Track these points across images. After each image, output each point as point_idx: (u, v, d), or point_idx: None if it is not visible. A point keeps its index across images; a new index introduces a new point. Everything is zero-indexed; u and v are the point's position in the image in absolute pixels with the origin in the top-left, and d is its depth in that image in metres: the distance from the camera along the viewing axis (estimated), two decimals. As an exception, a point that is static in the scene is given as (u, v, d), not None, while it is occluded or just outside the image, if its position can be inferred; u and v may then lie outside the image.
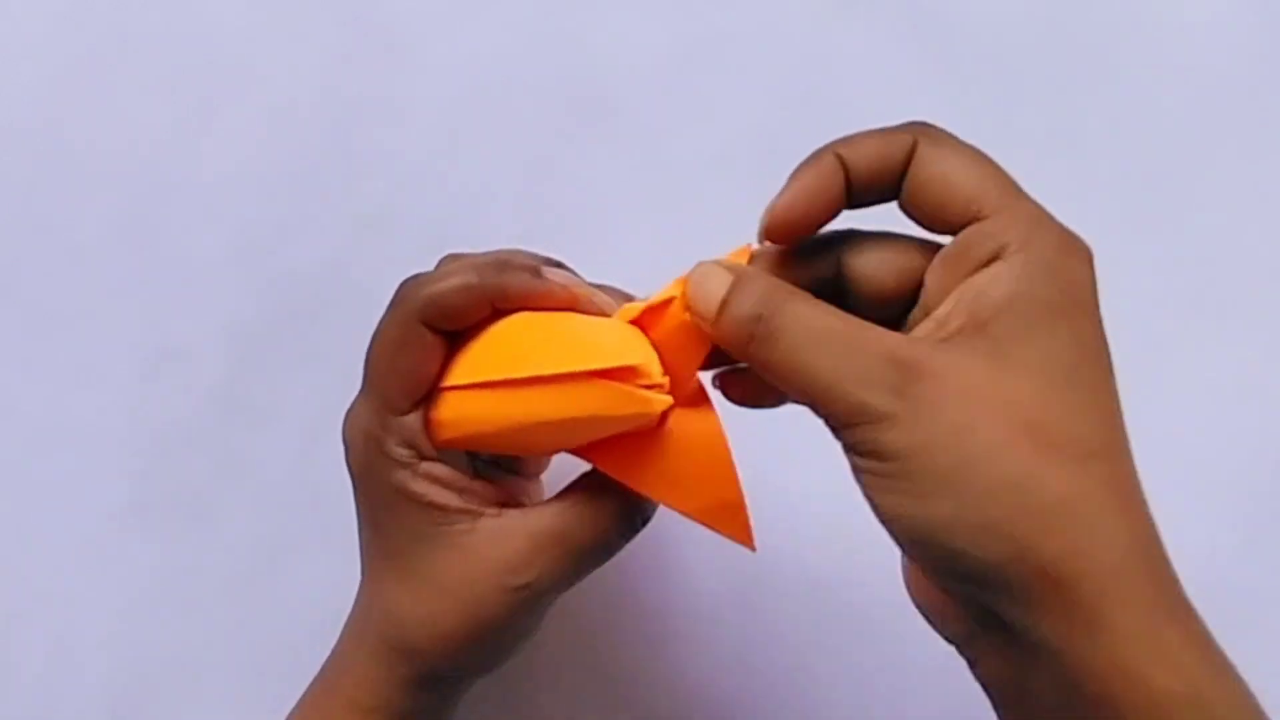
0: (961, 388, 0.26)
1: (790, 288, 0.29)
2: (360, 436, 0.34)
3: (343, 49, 0.46)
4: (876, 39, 0.46)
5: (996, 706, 0.29)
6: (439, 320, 0.32)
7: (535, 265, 0.33)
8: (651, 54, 0.46)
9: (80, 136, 0.45)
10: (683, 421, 0.32)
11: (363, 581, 0.36)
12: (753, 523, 0.32)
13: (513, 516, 0.33)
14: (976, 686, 0.30)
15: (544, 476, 0.40)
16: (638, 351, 0.31)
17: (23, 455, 0.44)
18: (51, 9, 0.46)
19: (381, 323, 0.33)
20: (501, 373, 0.31)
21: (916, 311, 0.30)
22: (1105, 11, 0.46)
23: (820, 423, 0.28)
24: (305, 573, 0.44)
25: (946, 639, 0.30)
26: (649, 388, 0.31)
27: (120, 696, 0.43)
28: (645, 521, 0.34)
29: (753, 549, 0.31)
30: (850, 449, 0.28)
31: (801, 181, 0.30)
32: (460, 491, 0.33)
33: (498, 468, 0.38)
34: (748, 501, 0.32)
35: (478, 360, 0.32)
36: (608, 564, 0.41)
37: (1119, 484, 0.27)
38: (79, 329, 0.45)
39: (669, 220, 0.45)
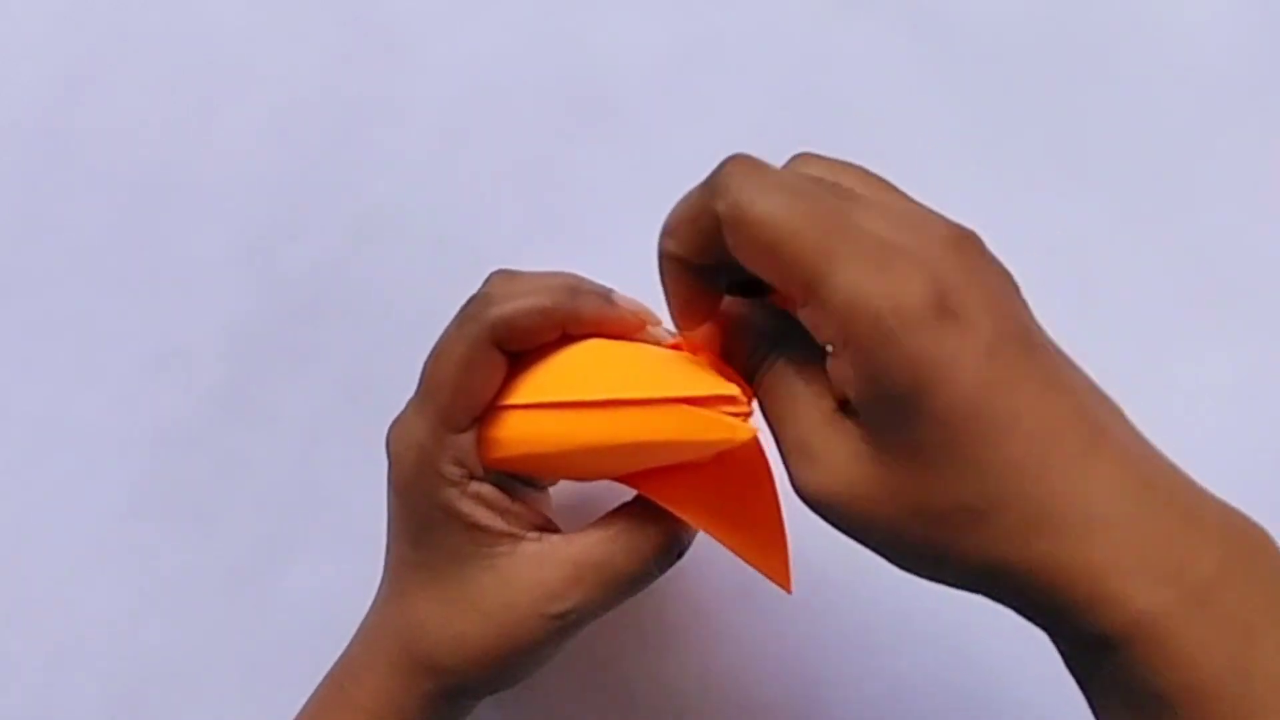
0: (844, 479, 0.27)
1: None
2: (412, 451, 0.33)
3: (343, 49, 0.46)
4: (876, 39, 0.46)
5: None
6: (509, 341, 0.32)
7: (605, 292, 0.33)
8: (651, 54, 0.46)
9: (80, 136, 0.45)
10: (735, 455, 0.32)
11: (386, 593, 0.36)
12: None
13: (554, 542, 0.33)
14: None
15: (554, 491, 0.40)
16: (719, 384, 0.30)
17: (23, 455, 0.44)
18: (51, 9, 0.46)
19: (445, 338, 0.33)
20: (576, 394, 0.31)
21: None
22: (1105, 11, 0.46)
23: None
24: (305, 573, 0.44)
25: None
26: (736, 415, 0.30)
27: (120, 696, 0.43)
28: (682, 553, 0.34)
29: (789, 591, 0.31)
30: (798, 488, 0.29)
31: (669, 286, 0.30)
32: (503, 514, 0.33)
33: (528, 486, 0.37)
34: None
35: (546, 381, 0.32)
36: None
37: (1024, 527, 0.26)
38: (79, 329, 0.45)
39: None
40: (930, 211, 0.28)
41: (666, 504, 0.32)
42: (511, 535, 0.33)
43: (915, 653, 0.42)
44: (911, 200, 0.29)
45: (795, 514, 0.43)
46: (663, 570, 0.34)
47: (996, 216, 0.45)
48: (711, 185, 0.29)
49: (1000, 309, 0.27)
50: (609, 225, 0.45)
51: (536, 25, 0.46)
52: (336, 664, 0.37)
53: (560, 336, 0.33)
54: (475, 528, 0.33)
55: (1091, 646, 0.26)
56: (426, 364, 0.33)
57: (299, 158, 0.45)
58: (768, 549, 0.32)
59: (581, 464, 0.32)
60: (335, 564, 0.44)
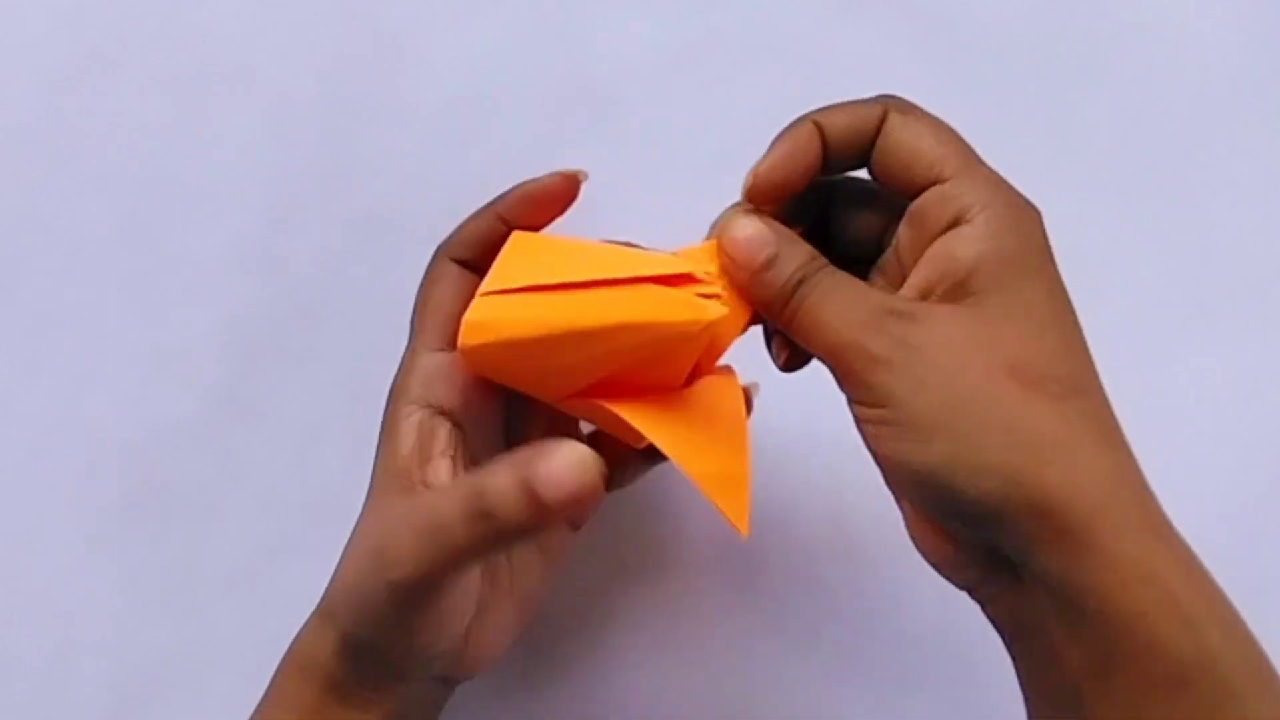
0: (949, 335, 0.29)
1: (821, 258, 0.32)
2: (396, 376, 0.35)
3: (342, 49, 0.46)
4: (876, 39, 0.46)
5: (1010, 648, 0.31)
6: (462, 250, 0.35)
7: (552, 175, 0.36)
8: (651, 54, 0.46)
9: (80, 136, 0.45)
10: (708, 386, 0.33)
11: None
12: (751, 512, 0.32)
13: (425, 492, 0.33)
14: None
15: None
16: (695, 264, 0.32)
17: (23, 455, 0.44)
18: (51, 9, 0.46)
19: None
20: (547, 278, 0.31)
21: (889, 257, 0.33)
22: (1105, 12, 0.46)
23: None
24: (305, 573, 0.44)
25: (958, 586, 0.32)
26: (705, 297, 0.32)
27: (120, 696, 0.43)
28: (511, 534, 0.29)
29: (744, 534, 0.31)
30: (854, 400, 0.30)
31: (783, 148, 0.33)
32: (427, 455, 0.33)
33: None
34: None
35: (519, 268, 0.32)
36: (607, 565, 0.41)
37: (1099, 419, 0.29)
38: (79, 329, 0.45)
39: (669, 220, 0.45)
40: None
41: (634, 421, 0.31)
42: (410, 471, 0.33)
43: (915, 652, 0.42)
44: None
45: (794, 512, 0.43)
46: (485, 540, 0.29)
47: (996, 216, 0.45)
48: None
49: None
50: (609, 225, 0.45)
51: (536, 25, 0.46)
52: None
53: (508, 231, 0.35)
54: (394, 453, 0.33)
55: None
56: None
57: (299, 157, 0.45)
58: (730, 487, 0.31)
59: (558, 354, 0.31)
60: (335, 564, 0.44)
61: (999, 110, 0.45)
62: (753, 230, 0.32)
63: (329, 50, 0.46)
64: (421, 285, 0.36)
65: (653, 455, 0.37)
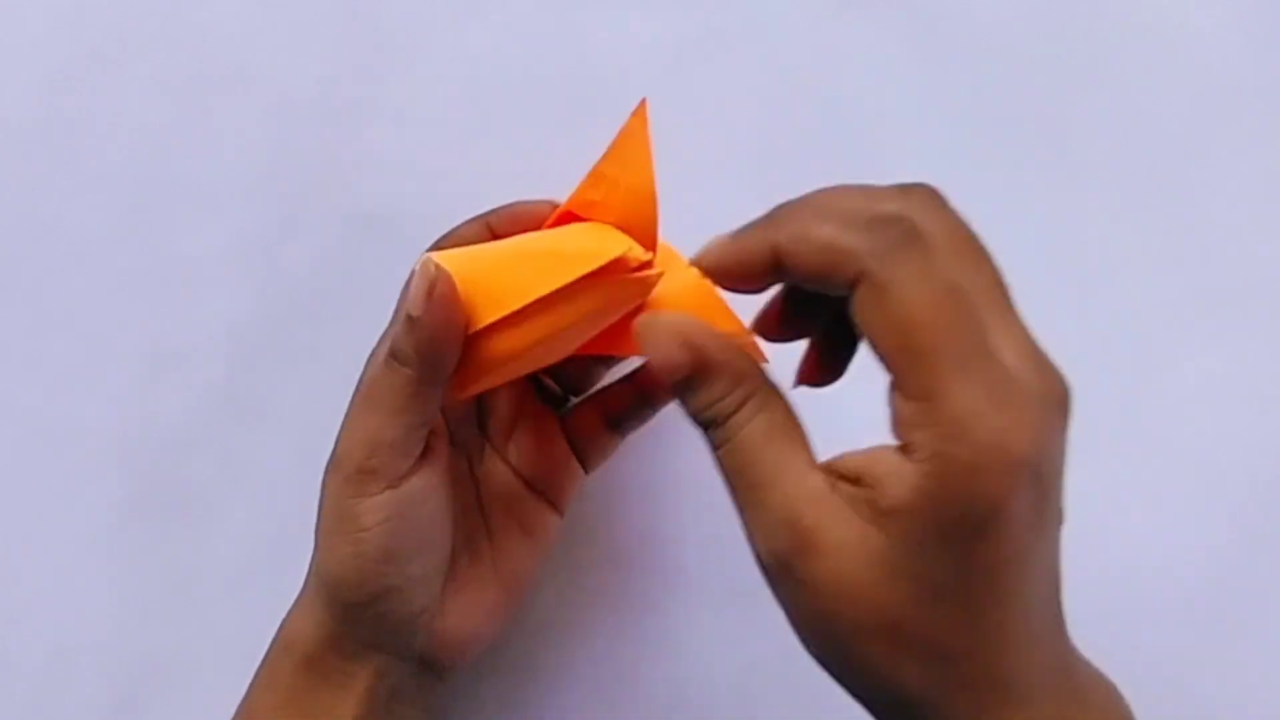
0: (838, 574, 0.26)
1: (760, 403, 0.28)
2: (370, 361, 0.35)
3: (342, 49, 0.46)
4: (876, 39, 0.46)
5: None
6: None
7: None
8: (651, 54, 0.46)
9: (79, 136, 0.45)
10: (666, 285, 0.34)
11: None
12: None
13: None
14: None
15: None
16: (616, 243, 0.33)
17: (23, 455, 0.44)
18: (51, 9, 0.46)
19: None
20: (500, 311, 0.32)
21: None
22: (1105, 12, 0.46)
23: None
24: (305, 573, 0.44)
25: None
26: (639, 269, 0.33)
27: (120, 696, 0.43)
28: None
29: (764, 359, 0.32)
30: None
31: (740, 248, 0.29)
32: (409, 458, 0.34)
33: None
34: None
35: (474, 307, 0.33)
36: (607, 566, 0.41)
37: (974, 685, 0.26)
38: (79, 329, 0.45)
39: (669, 220, 0.45)
40: (1045, 358, 0.27)
41: (628, 353, 0.34)
42: (421, 467, 0.34)
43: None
44: (1030, 334, 0.28)
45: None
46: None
47: (996, 216, 0.45)
48: (879, 233, 0.27)
49: (1060, 492, 0.27)
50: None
51: (536, 25, 0.46)
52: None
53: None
54: (383, 468, 0.34)
55: None
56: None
57: (298, 157, 0.45)
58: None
59: (537, 358, 0.34)
60: (335, 564, 0.44)
61: (999, 110, 0.45)
62: (667, 347, 0.29)
63: (329, 50, 0.46)
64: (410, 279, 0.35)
65: (621, 428, 0.39)
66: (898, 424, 0.26)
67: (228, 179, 0.45)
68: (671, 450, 0.43)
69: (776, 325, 0.32)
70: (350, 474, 0.33)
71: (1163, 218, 0.45)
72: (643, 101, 0.34)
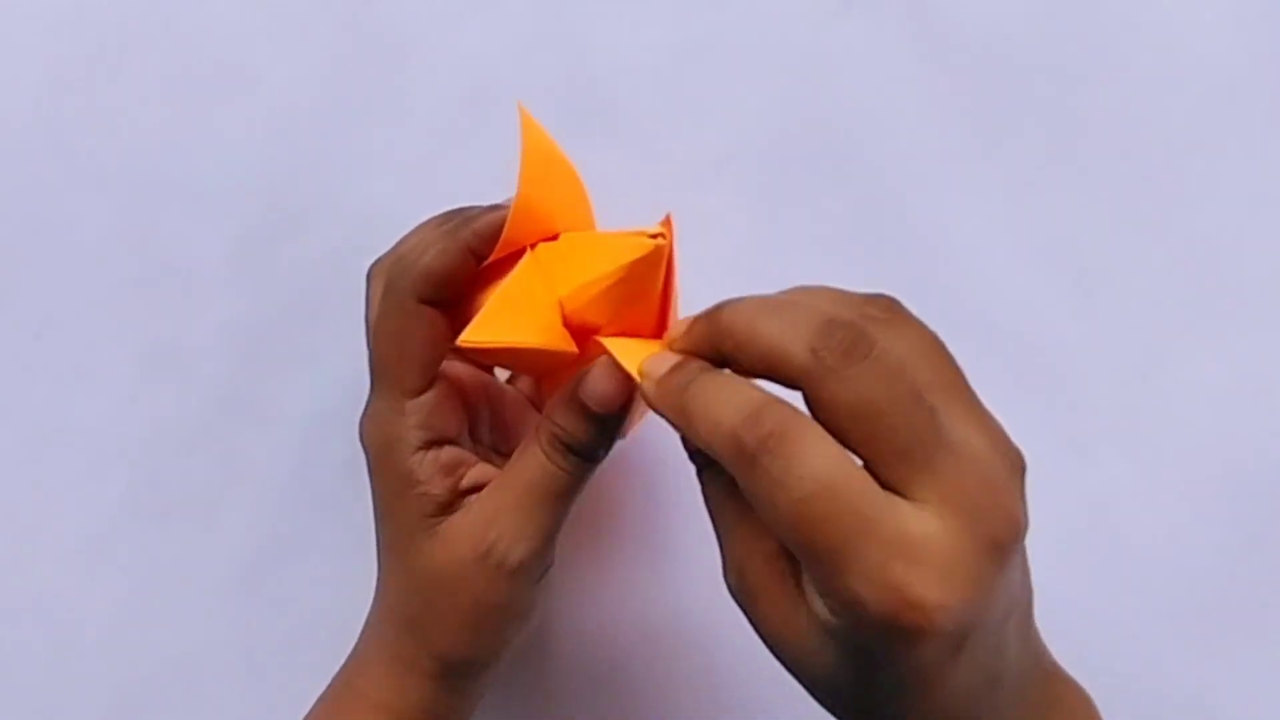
0: (779, 634, 0.27)
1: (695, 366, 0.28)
2: (381, 430, 0.34)
3: (342, 49, 0.46)
4: (876, 39, 0.46)
5: None
6: (435, 292, 0.33)
7: (492, 206, 0.35)
8: (651, 54, 0.46)
9: (79, 136, 0.45)
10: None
11: (377, 581, 0.36)
12: None
13: (476, 502, 0.34)
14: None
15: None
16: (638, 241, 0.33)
17: (23, 455, 0.44)
18: (51, 9, 0.46)
19: (374, 316, 0.34)
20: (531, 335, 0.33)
21: None
22: (1106, 12, 0.46)
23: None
24: (305, 573, 0.44)
25: None
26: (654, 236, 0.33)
27: (120, 697, 0.43)
28: (588, 452, 0.33)
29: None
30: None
31: (692, 337, 0.29)
32: (457, 477, 0.34)
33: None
34: None
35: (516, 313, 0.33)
36: (607, 567, 0.41)
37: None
38: (79, 329, 0.45)
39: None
40: (1004, 444, 0.26)
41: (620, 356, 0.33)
42: (452, 505, 0.33)
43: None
44: (994, 423, 0.27)
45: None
46: (575, 474, 0.33)
47: (996, 216, 0.45)
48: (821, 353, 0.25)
49: (988, 642, 0.26)
50: (608, 225, 0.45)
51: (536, 26, 0.46)
52: (346, 662, 0.37)
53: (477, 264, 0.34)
54: (425, 497, 0.33)
55: None
56: (369, 349, 0.35)
57: (299, 157, 0.45)
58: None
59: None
60: (335, 564, 0.44)
61: (999, 110, 0.45)
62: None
63: (329, 50, 0.46)
64: (386, 331, 0.34)
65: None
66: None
67: (227, 179, 0.45)
68: (671, 448, 0.43)
69: None
70: (519, 568, 0.33)
71: (1163, 217, 0.45)
72: (520, 107, 0.34)
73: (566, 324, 0.33)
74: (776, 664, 0.28)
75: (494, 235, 0.33)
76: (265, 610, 0.44)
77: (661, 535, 0.44)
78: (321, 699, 0.37)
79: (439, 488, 0.33)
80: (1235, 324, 0.44)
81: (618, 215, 0.45)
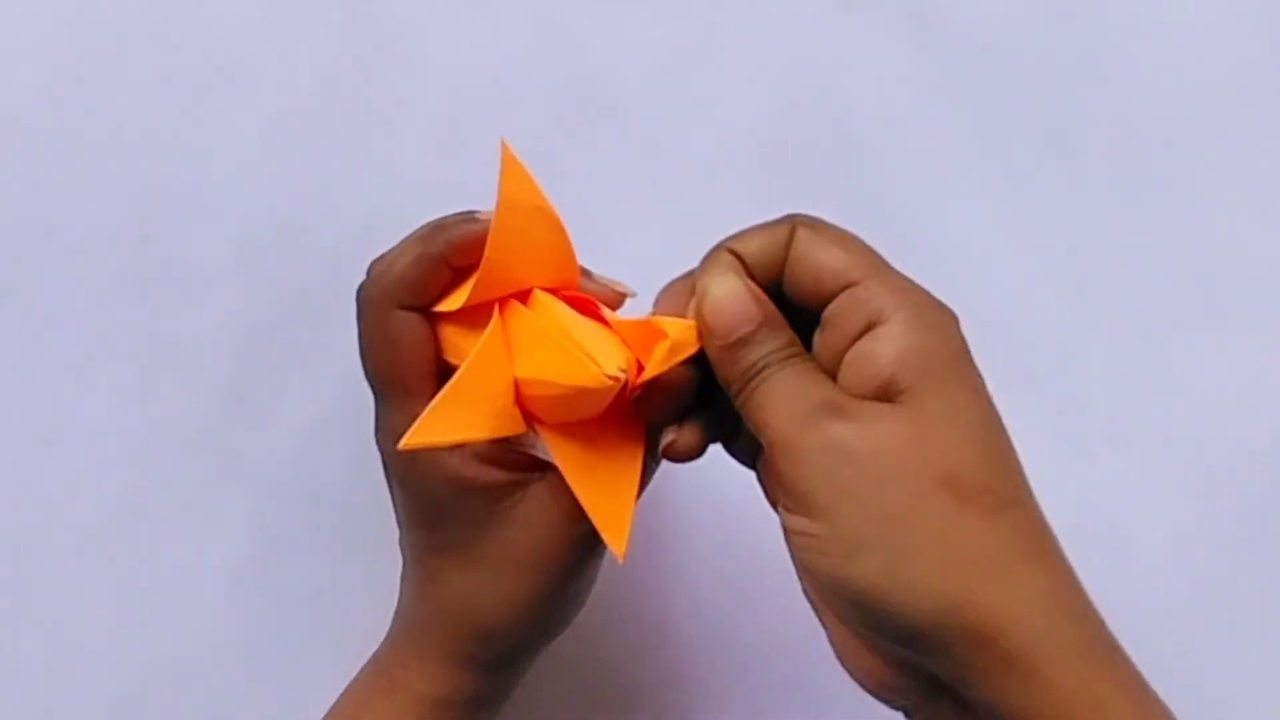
0: (882, 438, 0.28)
1: (796, 345, 0.31)
2: (393, 439, 0.33)
3: (343, 49, 0.46)
4: (876, 39, 0.46)
5: None
6: (413, 298, 0.33)
7: (463, 214, 0.35)
8: (651, 54, 0.46)
9: (80, 136, 0.45)
10: (615, 428, 0.33)
11: (417, 586, 0.36)
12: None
13: (553, 474, 0.34)
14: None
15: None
16: (611, 360, 0.31)
17: (23, 455, 0.44)
18: (51, 9, 0.46)
19: (363, 335, 0.34)
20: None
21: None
22: (1105, 12, 0.46)
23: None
24: (305, 573, 0.44)
25: (893, 708, 0.30)
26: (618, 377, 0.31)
27: (120, 696, 0.43)
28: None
29: (620, 559, 0.32)
30: (783, 507, 0.29)
31: (764, 236, 0.32)
32: (504, 465, 0.34)
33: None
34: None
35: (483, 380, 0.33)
36: (606, 568, 0.41)
37: (1032, 533, 0.28)
38: (79, 329, 0.45)
39: (669, 220, 0.45)
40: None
41: (553, 450, 0.33)
42: (517, 482, 0.33)
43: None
44: None
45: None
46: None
47: (996, 216, 0.45)
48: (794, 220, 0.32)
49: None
50: (609, 225, 0.45)
51: (537, 25, 0.46)
52: (373, 663, 0.37)
53: (453, 274, 0.34)
54: (485, 488, 0.33)
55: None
56: (364, 368, 0.35)
57: (299, 157, 0.45)
58: (614, 516, 0.32)
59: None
60: (335, 564, 0.44)
61: (998, 110, 0.45)
62: (735, 303, 0.31)
63: (329, 50, 0.46)
64: (375, 344, 0.34)
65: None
66: (845, 314, 0.30)
67: (228, 179, 0.45)
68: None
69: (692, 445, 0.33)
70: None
71: (1163, 217, 0.45)
72: (502, 143, 0.34)
73: (518, 402, 0.33)
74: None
75: (467, 246, 0.33)
76: (265, 610, 0.44)
77: (671, 534, 0.44)
78: (352, 693, 0.37)
79: (495, 475, 0.33)
80: (1235, 324, 0.44)
81: (618, 215, 0.45)
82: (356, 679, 0.37)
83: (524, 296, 0.33)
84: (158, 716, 0.43)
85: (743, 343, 0.30)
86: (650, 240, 0.44)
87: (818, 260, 0.30)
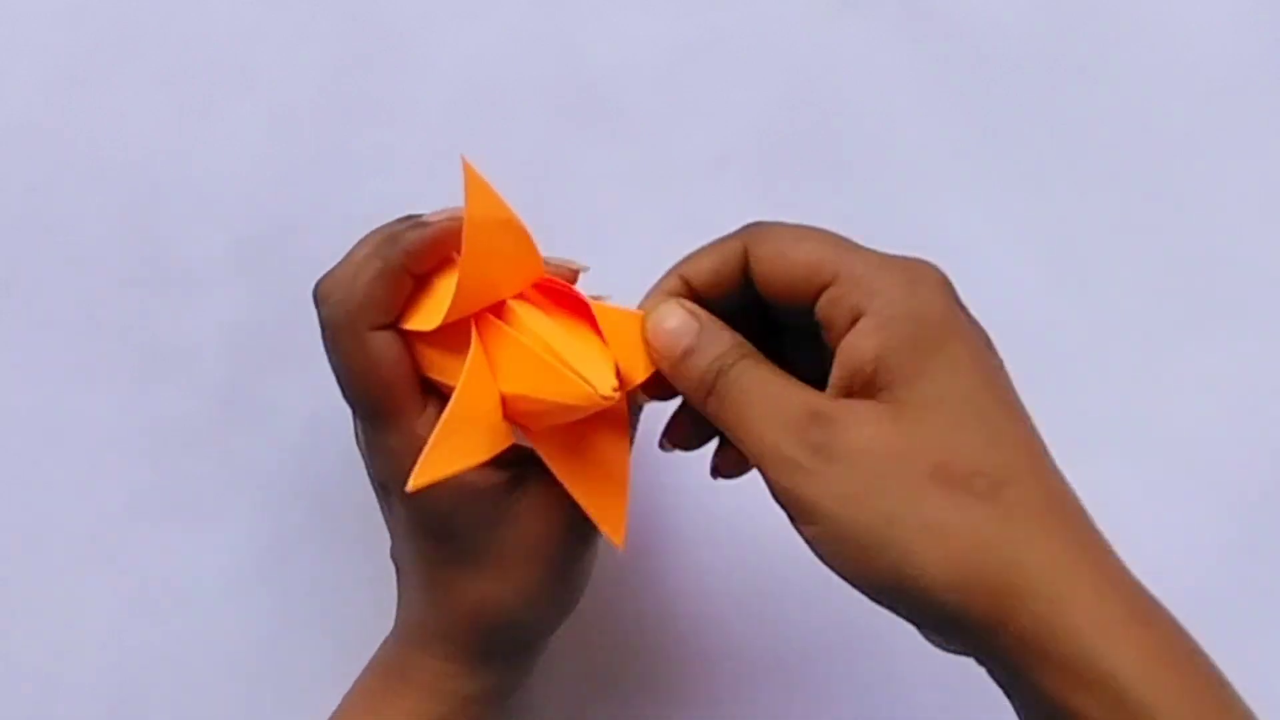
0: (868, 440, 0.28)
1: (745, 346, 0.31)
2: (402, 462, 0.33)
3: (342, 49, 0.46)
4: (876, 39, 0.46)
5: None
6: (383, 317, 0.33)
7: (407, 220, 0.35)
8: (651, 54, 0.46)
9: (80, 136, 0.45)
10: (599, 430, 0.33)
11: (427, 593, 0.36)
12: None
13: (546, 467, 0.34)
14: (977, 686, 0.30)
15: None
16: (601, 376, 0.31)
17: (23, 455, 0.44)
18: (51, 9, 0.46)
19: (338, 359, 0.34)
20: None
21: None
22: (1104, 13, 0.46)
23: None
24: (305, 573, 0.44)
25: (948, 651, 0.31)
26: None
27: (120, 696, 0.43)
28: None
29: (620, 547, 0.33)
30: (783, 506, 0.30)
31: (714, 255, 0.32)
32: (502, 464, 0.33)
33: None
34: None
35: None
36: (606, 569, 0.41)
37: (1036, 502, 0.28)
38: (79, 329, 0.45)
39: (669, 220, 0.45)
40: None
41: (544, 454, 0.33)
42: (515, 478, 0.34)
43: (913, 649, 0.42)
44: None
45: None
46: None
47: (996, 216, 0.45)
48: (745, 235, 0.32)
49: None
50: (608, 225, 0.45)
51: (536, 26, 0.46)
52: (381, 666, 0.37)
53: (415, 281, 0.34)
54: (488, 490, 0.33)
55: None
56: (345, 393, 0.34)
57: (299, 157, 0.45)
58: (609, 509, 0.33)
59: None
60: (335, 563, 0.44)
61: (999, 110, 0.45)
62: (674, 322, 0.31)
63: (329, 50, 0.46)
64: (346, 366, 0.34)
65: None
66: (833, 320, 0.30)
67: (227, 179, 0.45)
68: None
69: (686, 434, 0.34)
70: None
71: (1162, 217, 0.45)
72: (463, 160, 0.34)
73: (505, 414, 0.33)
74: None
75: (425, 252, 0.33)
76: (265, 610, 0.44)
77: (665, 532, 0.44)
78: (359, 692, 0.37)
79: (495, 476, 0.33)
80: (1234, 324, 0.44)
81: (616, 215, 0.45)
82: (363, 681, 0.37)
83: (498, 309, 0.33)
84: (158, 716, 0.43)
85: (689, 353, 0.31)
86: (649, 240, 0.44)
87: (782, 267, 0.31)
